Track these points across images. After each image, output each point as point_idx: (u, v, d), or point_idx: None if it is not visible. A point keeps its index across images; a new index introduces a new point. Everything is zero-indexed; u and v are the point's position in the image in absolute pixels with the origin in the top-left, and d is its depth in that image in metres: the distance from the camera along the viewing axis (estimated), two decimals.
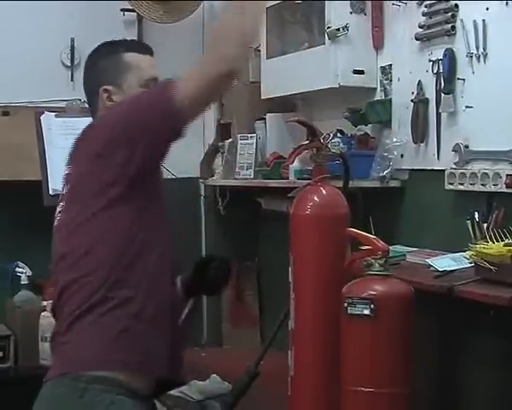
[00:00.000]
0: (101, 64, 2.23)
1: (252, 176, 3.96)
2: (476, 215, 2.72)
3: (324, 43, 3.36)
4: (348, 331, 2.32)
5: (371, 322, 2.32)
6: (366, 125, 3.35)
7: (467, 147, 2.85)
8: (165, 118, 1.96)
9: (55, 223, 2.17)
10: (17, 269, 4.04)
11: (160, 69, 4.89)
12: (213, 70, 1.96)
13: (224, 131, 4.34)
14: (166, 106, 1.96)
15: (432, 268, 2.67)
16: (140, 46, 2.33)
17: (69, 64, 4.33)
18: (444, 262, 2.66)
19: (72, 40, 4.32)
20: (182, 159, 4.46)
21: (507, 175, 2.66)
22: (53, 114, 4.15)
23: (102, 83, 2.20)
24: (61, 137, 4.09)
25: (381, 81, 3.33)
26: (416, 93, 3.08)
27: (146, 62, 2.24)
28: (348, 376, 2.34)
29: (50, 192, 3.90)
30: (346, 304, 2.31)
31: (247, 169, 3.99)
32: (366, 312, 2.31)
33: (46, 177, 3.94)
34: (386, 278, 2.39)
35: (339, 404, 2.36)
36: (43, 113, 4.13)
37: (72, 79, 4.32)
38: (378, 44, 3.33)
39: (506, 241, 2.42)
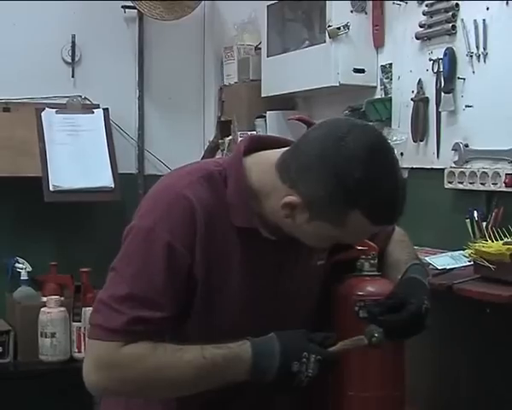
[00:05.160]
0: (322, 174, 1.58)
1: None
2: (475, 214, 2.72)
3: (325, 42, 3.36)
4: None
5: None
6: None
7: (466, 146, 2.86)
8: None
9: None
10: (17, 265, 4.06)
11: (160, 67, 4.93)
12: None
13: (224, 128, 4.35)
14: None
15: (431, 266, 2.66)
16: (383, 216, 1.69)
17: (70, 61, 4.34)
18: (443, 260, 2.66)
19: (73, 37, 4.33)
20: (182, 156, 4.47)
21: (506, 174, 2.66)
22: (54, 110, 4.18)
23: (298, 189, 1.61)
24: (62, 133, 4.12)
25: (381, 80, 3.33)
26: (416, 92, 3.08)
27: (365, 234, 1.77)
28: (354, 381, 2.20)
29: (51, 188, 3.94)
30: (357, 308, 2.14)
31: None
32: None
33: (47, 173, 3.97)
34: (377, 279, 2.31)
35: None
36: (43, 109, 4.15)
37: (73, 76, 4.34)
38: (378, 43, 3.33)
39: (505, 240, 2.42)
